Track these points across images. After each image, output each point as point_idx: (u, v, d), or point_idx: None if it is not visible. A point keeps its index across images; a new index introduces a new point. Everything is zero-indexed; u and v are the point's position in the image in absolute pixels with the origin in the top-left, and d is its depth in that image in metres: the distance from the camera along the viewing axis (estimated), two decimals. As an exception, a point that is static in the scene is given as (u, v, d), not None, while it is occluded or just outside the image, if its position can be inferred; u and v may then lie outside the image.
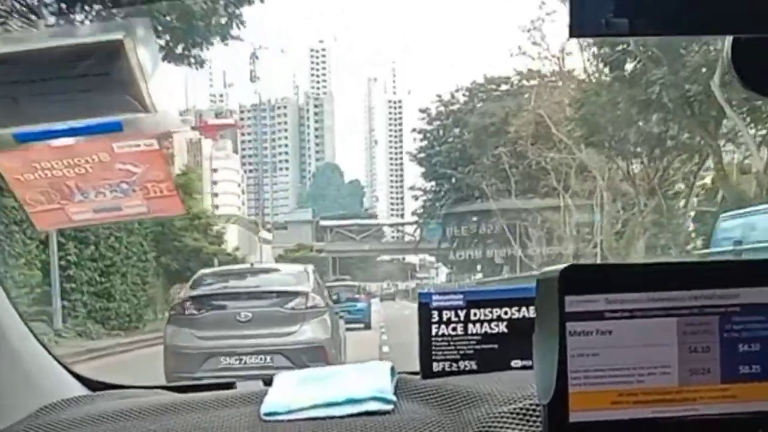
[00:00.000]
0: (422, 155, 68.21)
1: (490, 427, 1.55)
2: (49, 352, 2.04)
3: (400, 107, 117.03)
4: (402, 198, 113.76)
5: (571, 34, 1.18)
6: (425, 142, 67.49)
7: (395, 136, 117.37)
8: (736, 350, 1.26)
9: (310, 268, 14.23)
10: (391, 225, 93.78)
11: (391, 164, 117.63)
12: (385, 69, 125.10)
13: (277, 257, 71.76)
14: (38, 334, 2.04)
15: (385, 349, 17.31)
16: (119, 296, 26.65)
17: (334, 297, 26.34)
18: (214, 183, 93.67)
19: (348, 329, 23.78)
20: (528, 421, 1.51)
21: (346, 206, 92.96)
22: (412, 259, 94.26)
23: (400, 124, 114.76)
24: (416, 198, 72.79)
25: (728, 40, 1.29)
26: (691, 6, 1.19)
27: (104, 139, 1.64)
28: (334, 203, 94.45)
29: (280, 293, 12.64)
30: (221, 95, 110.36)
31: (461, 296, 1.83)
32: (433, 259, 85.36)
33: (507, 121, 48.81)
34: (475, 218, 60.80)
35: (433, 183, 68.01)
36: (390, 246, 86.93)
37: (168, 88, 1.51)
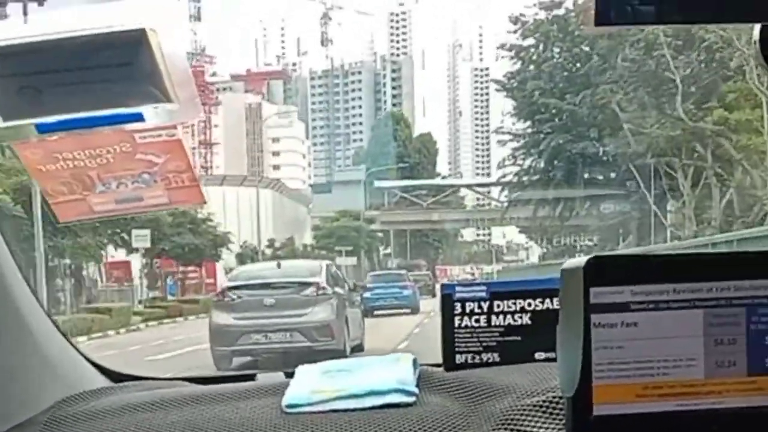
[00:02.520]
0: (514, 82, 48.03)
1: (513, 419, 1.54)
2: (72, 344, 2.05)
3: (486, 75, 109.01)
4: (488, 156, 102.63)
5: (597, 22, 1.17)
6: (518, 64, 47.36)
7: (481, 107, 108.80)
8: (762, 342, 1.25)
9: (325, 263, 18.47)
10: (469, 186, 76.14)
11: (477, 135, 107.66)
12: (471, 35, 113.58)
13: (313, 228, 61.56)
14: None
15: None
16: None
17: (366, 284, 30.86)
18: (275, 154, 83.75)
19: (392, 314, 27.88)
20: (551, 413, 1.50)
21: (413, 167, 75.60)
22: (498, 239, 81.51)
23: (487, 94, 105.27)
24: (503, 143, 52.60)
25: (757, 28, 1.28)
26: None
27: (126, 129, 1.64)
28: (398, 162, 76.08)
29: (297, 284, 16.06)
30: (294, 63, 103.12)
31: (484, 288, 1.83)
32: (522, 239, 70.10)
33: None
34: (587, 171, 46.13)
35: (528, 123, 48.75)
36: (468, 215, 69.44)
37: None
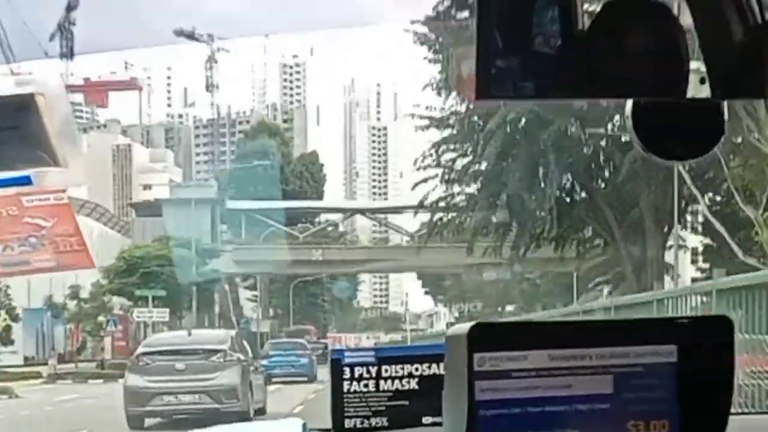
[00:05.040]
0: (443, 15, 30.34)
1: None
2: None
3: (385, 135, 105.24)
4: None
5: (478, 97, 1.21)
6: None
7: (380, 167, 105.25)
8: (627, 409, 1.29)
9: (233, 332, 21.53)
10: (369, 211, 57.29)
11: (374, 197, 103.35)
12: (368, 93, 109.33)
13: (101, 270, 39.37)
14: None
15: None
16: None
17: (267, 352, 31.74)
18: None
19: (290, 382, 28.66)
20: None
21: (294, 197, 56.21)
22: (397, 306, 70.13)
23: (386, 155, 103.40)
24: (422, 129, 33.09)
25: (629, 104, 1.34)
26: (593, 72, 1.23)
27: (13, 192, 1.62)
28: (271, 187, 54.67)
29: (205, 350, 17.58)
30: (180, 115, 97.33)
31: (372, 353, 1.84)
32: (428, 304, 57.80)
33: None
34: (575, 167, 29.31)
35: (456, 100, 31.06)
36: (364, 254, 50.10)
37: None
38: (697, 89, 1.26)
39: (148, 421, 17.17)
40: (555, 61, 1.23)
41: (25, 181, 1.53)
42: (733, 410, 1.34)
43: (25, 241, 1.65)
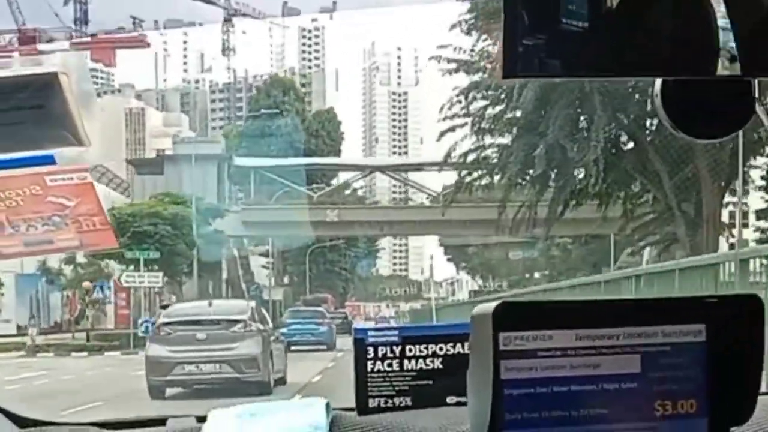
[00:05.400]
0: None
1: None
2: None
3: (405, 100, 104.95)
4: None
5: (504, 74, 1.20)
6: None
7: (399, 129, 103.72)
8: (652, 389, 1.29)
9: (253, 303, 21.43)
10: (390, 168, 52.90)
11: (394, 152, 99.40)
12: (389, 57, 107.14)
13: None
14: None
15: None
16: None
17: (286, 320, 32.56)
18: (159, 170, 74.12)
19: (309, 350, 28.89)
20: None
21: (308, 156, 51.70)
22: (416, 273, 67.98)
23: (405, 120, 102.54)
24: (448, 73, 29.87)
25: (658, 82, 1.33)
26: (621, 49, 1.22)
27: (36, 171, 1.63)
28: (284, 144, 51.41)
29: (226, 320, 17.95)
30: (197, 81, 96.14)
31: (396, 332, 1.85)
32: (449, 271, 55.87)
33: None
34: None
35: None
36: (381, 215, 44.34)
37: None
38: (728, 67, 1.25)
39: (169, 391, 17.40)
40: (583, 38, 1.22)
41: (49, 160, 1.53)
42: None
43: (48, 221, 1.66)
